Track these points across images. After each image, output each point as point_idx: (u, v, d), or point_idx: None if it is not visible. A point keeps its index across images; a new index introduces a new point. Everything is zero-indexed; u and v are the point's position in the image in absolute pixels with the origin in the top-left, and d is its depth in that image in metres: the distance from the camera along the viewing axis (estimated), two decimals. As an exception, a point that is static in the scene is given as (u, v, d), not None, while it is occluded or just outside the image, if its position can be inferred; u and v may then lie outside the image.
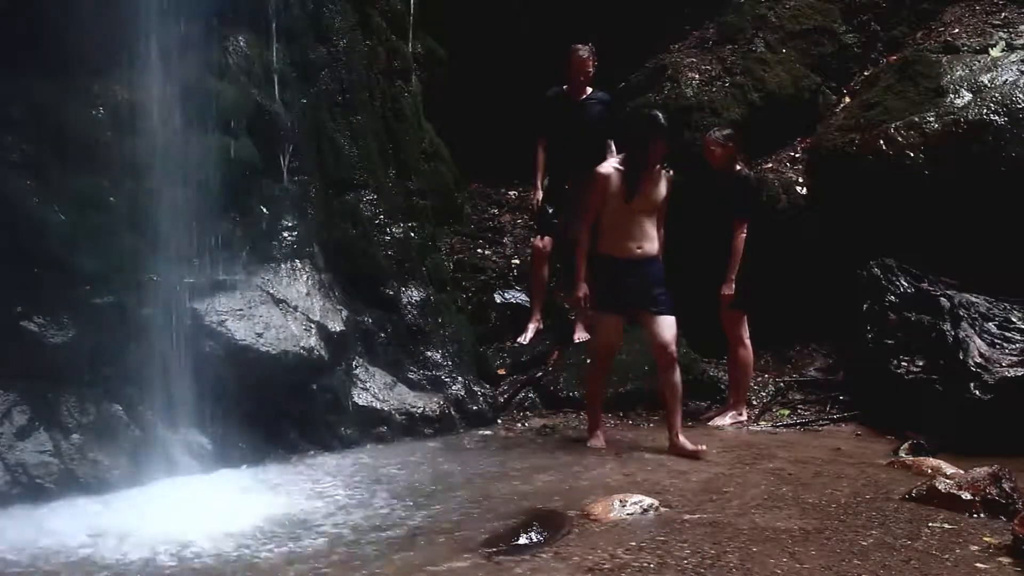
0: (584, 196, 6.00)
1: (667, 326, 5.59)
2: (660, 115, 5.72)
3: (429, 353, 6.47)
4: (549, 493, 4.78)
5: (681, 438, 5.57)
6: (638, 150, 5.58)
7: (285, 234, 5.88)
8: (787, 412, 6.93)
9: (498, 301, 7.83)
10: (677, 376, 5.64)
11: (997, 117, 6.81)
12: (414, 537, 4.09)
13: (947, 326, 6.28)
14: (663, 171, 5.67)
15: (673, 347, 5.60)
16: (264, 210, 5.79)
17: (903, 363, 6.38)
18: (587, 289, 5.69)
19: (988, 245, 6.57)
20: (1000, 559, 3.80)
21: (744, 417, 6.71)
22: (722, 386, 7.10)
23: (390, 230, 6.58)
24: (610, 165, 5.71)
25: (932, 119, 7.00)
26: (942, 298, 6.44)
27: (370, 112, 6.74)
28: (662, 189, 5.67)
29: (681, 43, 8.80)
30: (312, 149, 6.15)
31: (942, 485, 4.58)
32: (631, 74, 8.63)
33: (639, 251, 5.58)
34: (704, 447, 5.57)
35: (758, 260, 6.56)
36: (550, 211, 7.48)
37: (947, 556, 3.85)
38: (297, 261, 5.87)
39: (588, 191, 5.82)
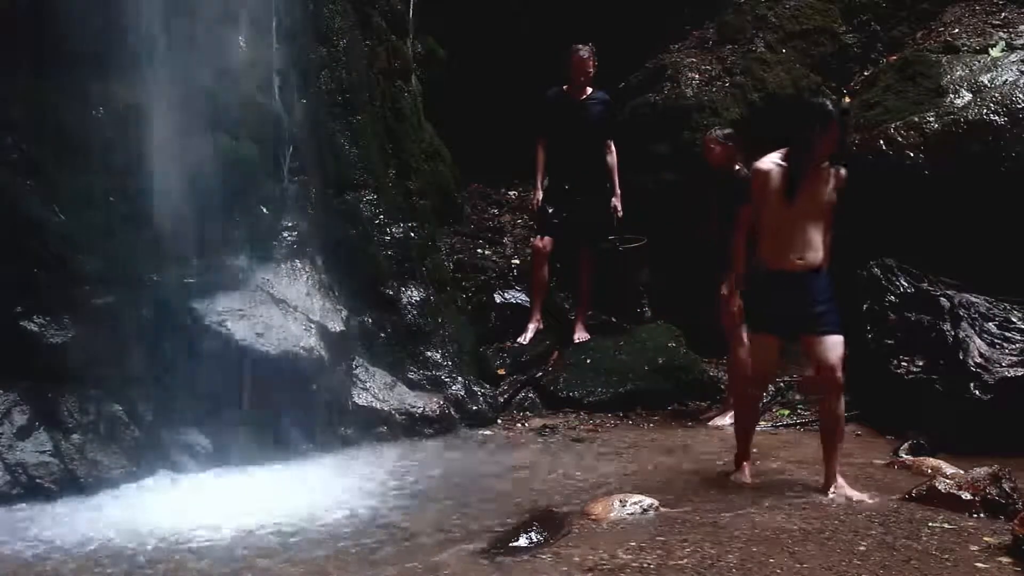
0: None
1: (833, 347, 4.71)
2: (829, 102, 4.90)
3: (429, 353, 6.47)
4: (549, 493, 4.78)
5: (840, 480, 4.73)
6: (802, 142, 4.67)
7: (285, 234, 5.88)
8: (787, 412, 6.93)
9: (498, 301, 7.83)
10: (842, 406, 4.80)
11: (997, 117, 6.81)
12: (414, 537, 4.09)
13: (947, 326, 6.28)
14: (832, 168, 4.75)
15: (840, 372, 4.71)
16: (264, 210, 5.79)
17: (903, 363, 6.37)
18: (740, 303, 5.05)
19: (988, 245, 6.57)
20: (1000, 559, 3.79)
21: (744, 417, 6.69)
22: (722, 386, 7.11)
23: (390, 230, 6.58)
24: (770, 160, 4.76)
25: (932, 119, 6.99)
26: (942, 298, 6.44)
27: (370, 112, 6.75)
28: (830, 189, 4.74)
29: (681, 43, 8.80)
30: (312, 149, 6.15)
31: (942, 485, 4.58)
32: (631, 74, 8.63)
33: (800, 262, 4.68)
34: (867, 497, 4.66)
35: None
36: (550, 211, 7.48)
37: (947, 556, 3.84)
38: (297, 261, 5.87)
39: (749, 189, 4.93)
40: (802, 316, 4.68)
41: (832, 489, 4.70)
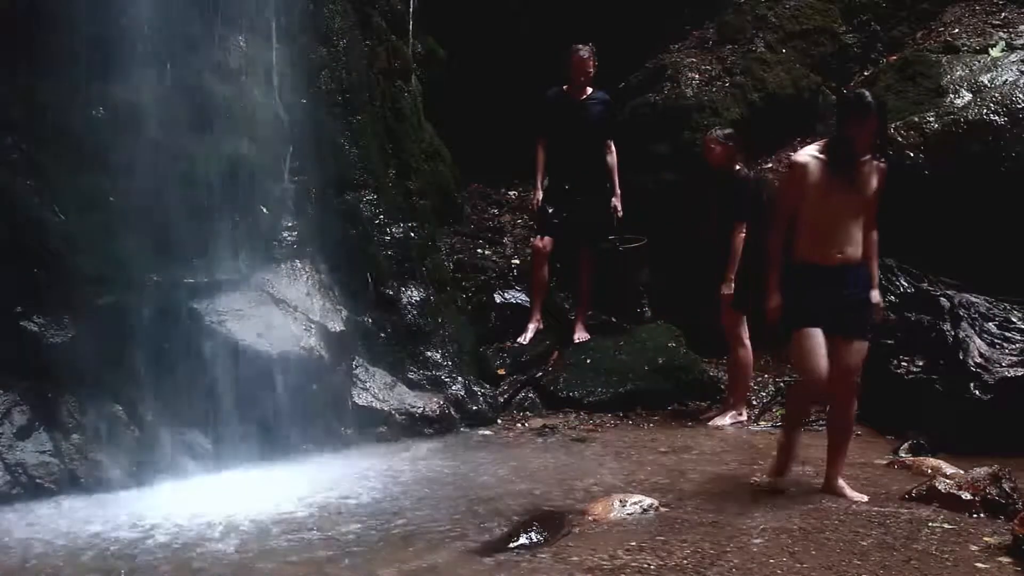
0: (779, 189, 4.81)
1: (858, 351, 4.60)
2: (868, 94, 4.66)
3: (429, 353, 6.47)
4: (549, 493, 4.78)
5: (840, 481, 4.71)
6: (841, 134, 4.55)
7: (285, 234, 5.88)
8: (787, 412, 6.93)
9: (498, 301, 7.83)
10: (854, 411, 4.73)
11: (997, 117, 6.82)
12: (414, 536, 4.09)
13: (947, 326, 6.28)
14: (874, 161, 4.61)
15: (858, 376, 4.63)
16: (264, 210, 5.79)
17: (903, 363, 6.37)
18: (779, 301, 4.67)
19: (988, 245, 6.57)
20: (1000, 559, 3.79)
21: (744, 417, 6.70)
22: (722, 386, 7.11)
23: (390, 230, 6.58)
24: (808, 152, 4.65)
25: (932, 119, 7.00)
26: (942, 298, 6.44)
27: (370, 112, 6.74)
28: (872, 183, 4.60)
29: (681, 43, 8.81)
30: (312, 149, 6.14)
31: (942, 485, 4.58)
32: (631, 74, 8.63)
33: (839, 256, 4.55)
34: (865, 497, 4.65)
35: (758, 260, 6.56)
36: (550, 211, 7.48)
37: (947, 556, 3.84)
38: (297, 261, 5.87)
39: (782, 183, 4.78)
40: (836, 314, 4.52)
41: (834, 490, 4.68)
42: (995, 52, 7.30)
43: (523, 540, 3.93)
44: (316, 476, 5.14)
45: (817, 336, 4.52)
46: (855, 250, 4.58)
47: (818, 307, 4.53)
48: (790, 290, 4.64)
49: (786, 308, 4.64)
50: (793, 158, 4.75)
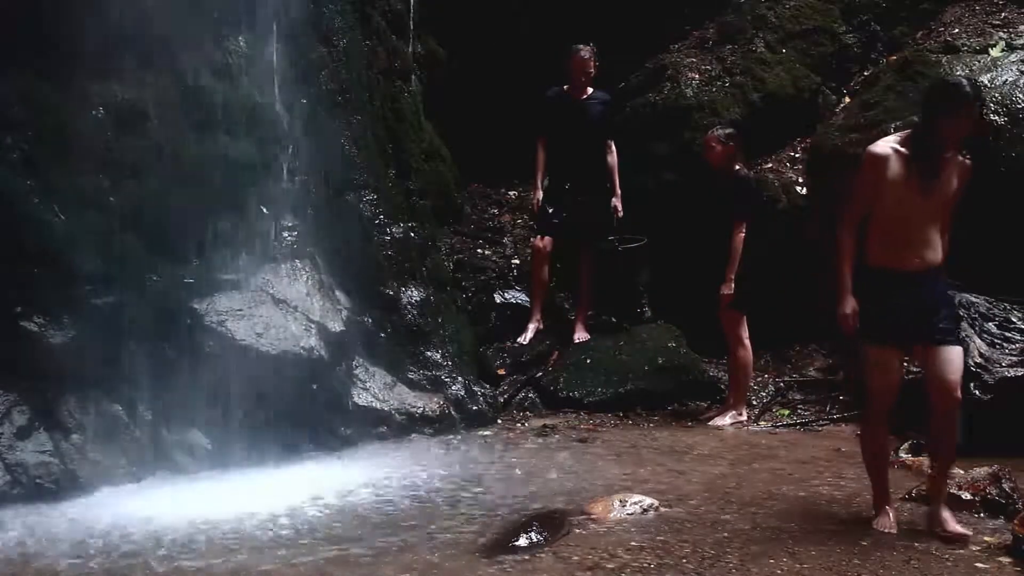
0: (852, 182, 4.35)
1: (952, 360, 4.08)
2: (966, 82, 4.18)
3: (429, 353, 6.47)
4: (549, 493, 4.78)
5: (945, 513, 4.15)
6: (929, 126, 4.06)
7: (285, 234, 5.88)
8: (787, 412, 6.93)
9: (498, 301, 7.84)
10: (957, 429, 4.13)
11: (997, 117, 6.81)
12: (413, 537, 4.09)
13: (947, 326, 6.28)
14: (959, 157, 4.13)
15: (958, 390, 4.08)
16: (264, 210, 5.79)
17: (903, 363, 6.37)
18: (855, 306, 4.18)
19: (988, 245, 6.56)
20: (1000, 559, 3.79)
21: (744, 417, 6.71)
22: (722, 386, 7.11)
23: (390, 230, 6.58)
24: (888, 144, 4.14)
25: (932, 119, 6.98)
26: (942, 298, 6.43)
27: (370, 112, 6.74)
28: (954, 181, 4.12)
29: (681, 43, 8.80)
30: (312, 149, 6.15)
31: (942, 485, 4.57)
32: (631, 74, 8.63)
33: (918, 262, 4.10)
34: (970, 533, 4.12)
35: (758, 260, 6.57)
36: (550, 211, 7.48)
37: (947, 556, 3.85)
38: (297, 261, 5.87)
39: (855, 177, 4.30)
40: (920, 322, 4.09)
41: (938, 523, 4.13)
42: (995, 52, 7.30)
43: (523, 540, 3.92)
44: (316, 476, 5.14)
45: (891, 355, 4.16)
46: (935, 255, 4.13)
47: (898, 317, 4.08)
48: (866, 299, 4.16)
49: (862, 318, 4.15)
50: (871, 149, 4.17)
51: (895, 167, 4.06)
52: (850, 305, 4.16)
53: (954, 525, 4.10)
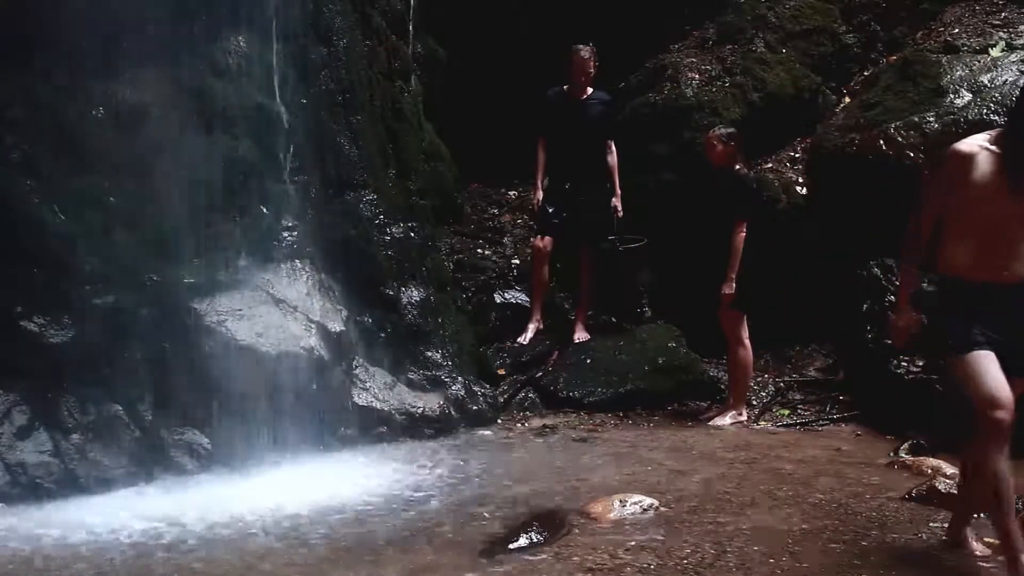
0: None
1: None
2: None
3: (429, 353, 6.46)
4: (549, 493, 4.78)
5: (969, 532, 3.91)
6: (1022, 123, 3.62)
7: (285, 234, 5.88)
8: (787, 412, 6.93)
9: (498, 301, 7.83)
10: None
11: (997, 117, 6.80)
12: (413, 537, 4.09)
13: (947, 326, 6.27)
14: None
15: None
16: (264, 210, 5.79)
17: (903, 363, 6.38)
18: (911, 319, 3.86)
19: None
20: (1000, 559, 3.79)
21: (744, 417, 6.71)
22: (722, 386, 7.11)
23: (390, 230, 6.57)
24: (976, 142, 3.67)
25: (932, 119, 6.99)
26: (942, 298, 6.43)
27: (370, 112, 6.74)
28: None
29: (681, 43, 8.80)
30: (312, 149, 6.14)
31: (942, 485, 4.58)
32: (631, 74, 8.63)
33: (1006, 274, 3.64)
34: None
35: (758, 260, 6.57)
36: (550, 211, 7.48)
37: (947, 556, 3.85)
38: (297, 261, 5.87)
39: (933, 175, 3.88)
40: (1007, 350, 3.58)
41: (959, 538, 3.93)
42: (995, 52, 7.30)
43: (523, 540, 3.93)
44: (316, 476, 5.15)
45: (989, 359, 3.55)
46: (1021, 266, 3.66)
47: (985, 334, 3.58)
48: (948, 309, 3.72)
49: (949, 328, 3.67)
50: (956, 147, 3.71)
51: (984, 166, 3.61)
52: (905, 318, 3.85)
53: (974, 544, 3.92)
